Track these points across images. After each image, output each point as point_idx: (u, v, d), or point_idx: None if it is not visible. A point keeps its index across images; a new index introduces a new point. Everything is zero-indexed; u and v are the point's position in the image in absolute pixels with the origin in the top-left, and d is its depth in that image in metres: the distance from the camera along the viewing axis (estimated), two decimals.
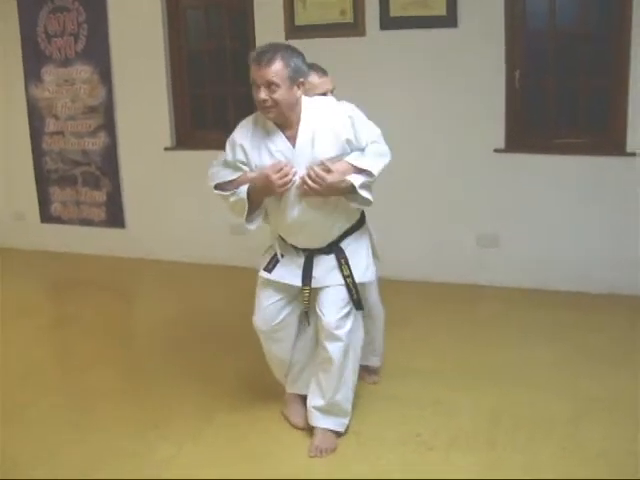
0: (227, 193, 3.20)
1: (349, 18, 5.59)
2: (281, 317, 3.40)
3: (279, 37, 5.72)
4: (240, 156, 3.16)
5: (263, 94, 2.99)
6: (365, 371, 4.00)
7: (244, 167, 3.17)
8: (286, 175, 3.02)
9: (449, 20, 5.31)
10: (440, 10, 5.31)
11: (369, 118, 3.24)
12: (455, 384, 3.95)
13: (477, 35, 5.27)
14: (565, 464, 3.09)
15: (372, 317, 3.79)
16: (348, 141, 3.10)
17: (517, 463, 3.12)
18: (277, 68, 2.96)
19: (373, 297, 3.78)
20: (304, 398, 3.55)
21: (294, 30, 5.73)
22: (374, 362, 4.01)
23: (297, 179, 3.07)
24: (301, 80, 3.06)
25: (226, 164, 3.23)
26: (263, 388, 3.87)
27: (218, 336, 4.79)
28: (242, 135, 3.18)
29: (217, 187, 3.23)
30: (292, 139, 3.11)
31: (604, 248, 5.25)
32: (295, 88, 3.03)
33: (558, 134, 5.33)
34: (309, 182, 3.02)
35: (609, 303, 5.12)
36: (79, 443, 3.45)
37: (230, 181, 3.19)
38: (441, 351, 4.41)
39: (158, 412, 3.74)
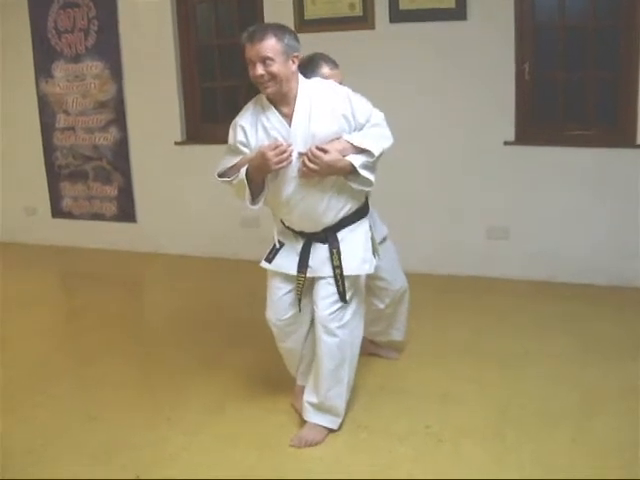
0: (230, 178, 3.23)
1: (358, 11, 5.60)
2: (293, 310, 3.41)
3: None
4: (240, 137, 3.19)
5: (259, 69, 3.02)
6: (386, 347, 4.02)
7: (244, 149, 3.19)
8: (282, 152, 3.01)
9: (458, 13, 5.30)
10: (449, 3, 5.31)
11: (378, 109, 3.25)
12: (464, 375, 3.95)
13: (486, 28, 5.26)
14: (575, 455, 3.10)
15: (395, 292, 3.87)
16: (345, 118, 3.11)
17: (526, 454, 3.13)
18: (270, 43, 3.00)
19: (396, 272, 3.84)
20: None
21: (303, 24, 5.73)
22: (396, 336, 4.09)
23: (294, 156, 3.08)
24: (295, 54, 3.09)
25: (229, 149, 3.27)
26: (274, 380, 3.89)
27: (229, 329, 4.81)
28: (242, 117, 3.22)
29: (221, 175, 3.27)
30: (289, 116, 3.12)
31: (614, 240, 5.24)
32: (290, 62, 3.06)
33: (568, 126, 5.32)
34: (307, 162, 3.04)
35: (619, 295, 5.12)
36: (90, 434, 3.48)
37: (232, 166, 3.23)
38: (450, 343, 4.42)
39: (169, 403, 3.76)
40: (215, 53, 6.41)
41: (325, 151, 3.03)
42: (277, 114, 3.13)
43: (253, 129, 3.17)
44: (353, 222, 3.33)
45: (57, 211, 7.31)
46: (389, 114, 3.27)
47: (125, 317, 5.26)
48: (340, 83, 3.37)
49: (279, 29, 3.06)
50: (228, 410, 3.67)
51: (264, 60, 3.01)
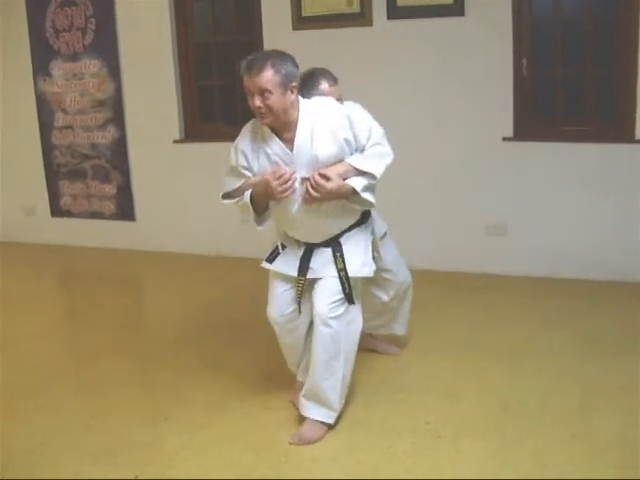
0: (234, 200, 3.29)
1: (356, 8, 5.58)
2: (293, 307, 3.43)
3: (286, 28, 5.75)
4: (242, 161, 3.21)
5: (257, 101, 3.02)
6: (386, 343, 4.01)
7: (247, 173, 3.22)
8: (286, 182, 3.05)
9: (456, 9, 5.29)
10: None
11: (376, 107, 3.24)
12: (464, 371, 3.95)
13: (484, 23, 5.25)
14: (574, 451, 3.09)
15: (399, 285, 3.89)
16: (347, 141, 3.12)
17: (526, 450, 3.12)
18: (268, 76, 2.98)
19: (400, 264, 3.88)
20: None
21: (301, 21, 5.73)
22: (398, 330, 4.11)
23: (297, 182, 3.10)
24: (293, 84, 3.08)
25: (232, 170, 3.29)
26: (273, 377, 3.89)
27: (228, 327, 4.81)
28: (243, 141, 3.23)
29: (225, 196, 3.32)
30: (290, 141, 3.13)
31: (612, 235, 5.24)
32: (288, 93, 3.05)
33: (566, 122, 5.32)
34: (311, 191, 3.08)
35: (618, 290, 5.11)
36: (89, 433, 3.47)
37: (237, 189, 3.27)
38: (450, 339, 4.41)
39: (169, 402, 3.76)
40: (213, 51, 6.39)
41: (327, 178, 3.06)
42: (278, 141, 3.14)
43: (255, 154, 3.19)
44: (356, 227, 3.39)
45: (56, 210, 7.31)
46: (387, 111, 3.27)
47: (124, 317, 5.26)
48: (339, 99, 3.36)
49: (278, 59, 3.03)
50: (227, 409, 3.66)
51: (262, 92, 3.00)
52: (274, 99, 3.00)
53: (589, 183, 5.26)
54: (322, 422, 3.35)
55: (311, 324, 3.46)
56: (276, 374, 3.83)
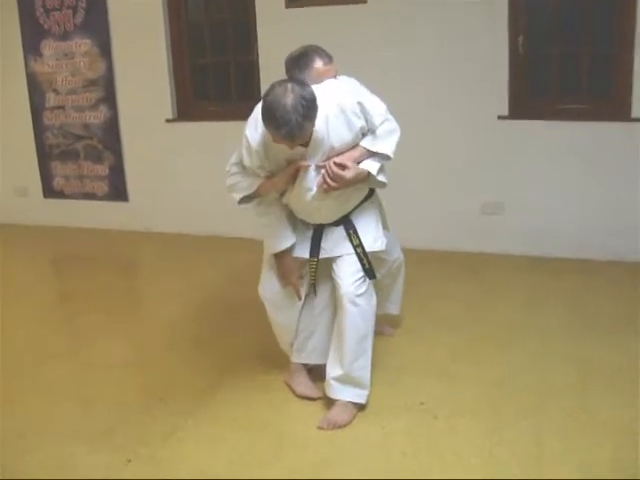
0: (251, 204, 3.29)
1: None
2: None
3: (279, 6, 5.68)
4: (257, 162, 3.13)
5: (293, 147, 2.95)
6: (380, 323, 4.00)
7: (263, 172, 3.17)
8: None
9: None
10: None
11: (370, 86, 3.21)
12: (460, 351, 3.94)
13: (480, 1, 5.20)
14: (570, 431, 3.09)
15: (391, 263, 3.85)
16: (362, 128, 3.09)
17: (522, 430, 3.12)
18: (306, 134, 2.91)
19: (393, 242, 3.80)
20: (309, 368, 3.57)
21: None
22: (392, 310, 4.09)
23: (312, 170, 3.07)
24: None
25: (244, 170, 3.23)
26: (269, 358, 3.87)
27: (224, 308, 4.79)
28: (255, 140, 3.09)
29: (242, 200, 3.29)
30: None
31: (608, 215, 5.22)
32: (314, 120, 2.93)
33: (562, 100, 5.29)
34: (329, 181, 3.04)
35: (613, 270, 5.11)
36: (83, 415, 3.46)
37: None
38: (445, 318, 4.41)
39: (163, 384, 3.74)
40: (206, 29, 6.33)
41: (344, 167, 3.03)
42: None
43: (269, 153, 3.11)
44: (364, 202, 3.36)
45: (48, 191, 7.27)
46: (382, 90, 3.22)
47: (119, 298, 5.24)
48: (334, 76, 3.29)
49: (306, 101, 2.80)
50: (222, 390, 3.65)
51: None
52: (309, 135, 2.96)
53: (585, 162, 5.23)
54: (353, 403, 3.32)
55: (307, 305, 3.46)
56: (272, 355, 3.81)
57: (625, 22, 4.95)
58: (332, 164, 3.03)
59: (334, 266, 3.29)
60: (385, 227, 3.56)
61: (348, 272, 3.23)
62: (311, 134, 2.98)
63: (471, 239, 5.64)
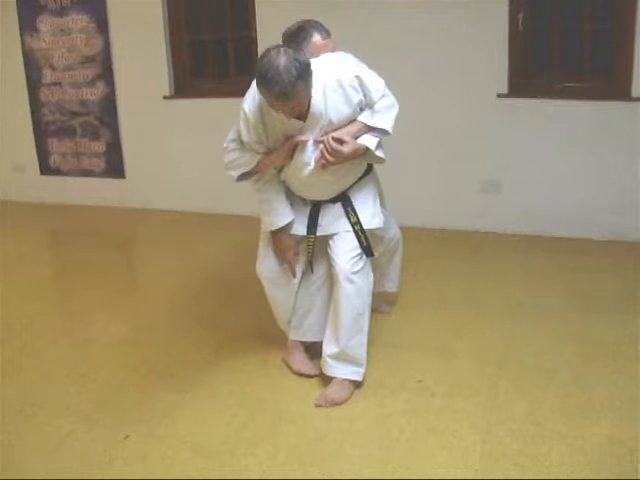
0: (250, 180, 3.26)
1: None
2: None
3: None
4: (255, 137, 3.11)
5: (290, 114, 2.91)
6: (377, 301, 3.99)
7: (261, 147, 3.14)
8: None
9: None
10: None
11: (369, 63, 3.17)
12: (458, 330, 3.94)
13: None
14: (568, 410, 3.09)
15: (388, 240, 3.82)
16: (360, 102, 3.06)
17: (520, 408, 3.12)
18: (300, 95, 2.85)
19: (389, 220, 3.77)
20: (306, 346, 3.56)
21: None
22: (390, 287, 4.07)
23: (309, 144, 3.05)
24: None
25: (242, 145, 3.19)
26: (266, 337, 3.86)
27: (221, 285, 4.79)
28: (254, 116, 3.06)
29: (240, 177, 3.26)
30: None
31: (608, 193, 5.21)
32: (309, 84, 2.91)
33: (562, 78, 5.26)
34: (327, 156, 3.02)
35: (611, 249, 5.11)
36: (80, 393, 3.45)
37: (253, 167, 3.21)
38: (443, 296, 4.41)
39: (161, 361, 3.74)
40: (203, 5, 6.28)
41: (342, 142, 3.01)
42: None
43: (267, 128, 3.09)
44: (360, 179, 3.34)
45: (45, 168, 7.25)
46: (380, 67, 3.20)
47: (116, 275, 5.23)
48: (332, 51, 3.26)
49: (299, 69, 2.79)
50: (220, 367, 3.64)
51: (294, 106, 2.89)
52: (304, 101, 2.91)
53: (584, 140, 5.21)
54: (350, 381, 3.32)
55: (305, 282, 3.45)
56: (270, 332, 3.80)
57: (626, 0, 4.90)
58: (330, 139, 3.00)
59: (330, 243, 3.28)
60: (382, 205, 3.55)
61: (345, 249, 3.22)
62: (309, 105, 2.96)
63: (469, 217, 5.63)
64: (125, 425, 3.13)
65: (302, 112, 2.96)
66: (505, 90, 5.32)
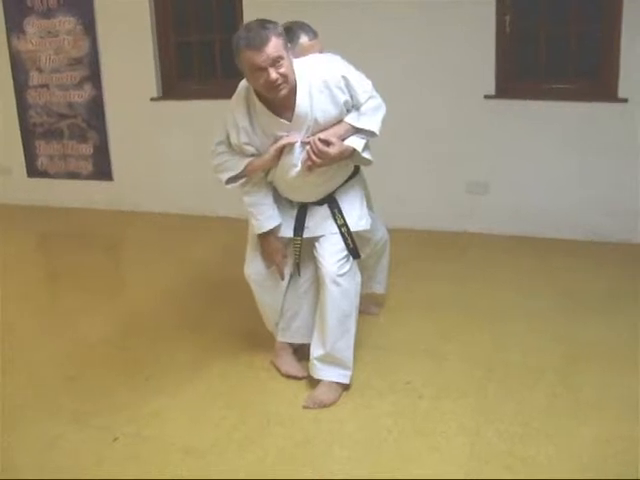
0: (238, 183, 3.22)
1: None
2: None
3: None
4: (244, 138, 3.09)
5: (273, 74, 2.83)
6: (365, 302, 3.99)
7: (250, 148, 3.12)
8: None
9: None
10: None
11: (356, 64, 3.17)
12: (446, 331, 3.94)
13: None
14: (556, 411, 3.09)
15: (375, 242, 3.81)
16: (346, 102, 3.05)
17: (508, 410, 3.12)
18: (275, 42, 2.83)
19: (376, 221, 3.75)
20: (294, 347, 3.56)
21: None
22: (378, 289, 4.07)
23: (297, 146, 3.04)
24: (289, 45, 2.99)
25: (230, 148, 3.18)
26: (254, 339, 3.85)
27: (209, 287, 4.78)
28: (242, 117, 3.07)
29: (229, 180, 3.23)
30: (289, 109, 3.00)
31: (593, 195, 5.23)
32: (289, 54, 2.93)
33: (549, 80, 5.28)
34: (314, 157, 3.01)
35: (598, 250, 5.13)
36: (68, 395, 3.44)
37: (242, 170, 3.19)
38: (431, 298, 4.41)
39: (149, 363, 3.73)
40: (190, 7, 6.27)
41: (329, 143, 3.00)
42: (271, 115, 3.01)
43: (255, 129, 3.07)
44: (347, 181, 3.34)
45: (32, 170, 7.22)
46: (368, 69, 3.20)
47: (104, 277, 5.22)
48: (320, 52, 3.26)
49: (271, 24, 2.87)
50: (208, 369, 3.63)
51: (275, 63, 2.83)
52: (287, 65, 2.87)
53: (571, 142, 5.23)
54: (338, 383, 3.31)
55: (292, 285, 3.45)
56: (258, 334, 3.79)
57: (612, 1, 4.93)
58: (317, 140, 3.00)
59: (317, 245, 3.28)
60: (369, 207, 3.55)
61: (331, 251, 3.22)
62: (294, 104, 2.96)
63: (457, 218, 5.64)
64: (114, 426, 3.12)
65: (289, 83, 2.90)
66: (492, 91, 5.34)
